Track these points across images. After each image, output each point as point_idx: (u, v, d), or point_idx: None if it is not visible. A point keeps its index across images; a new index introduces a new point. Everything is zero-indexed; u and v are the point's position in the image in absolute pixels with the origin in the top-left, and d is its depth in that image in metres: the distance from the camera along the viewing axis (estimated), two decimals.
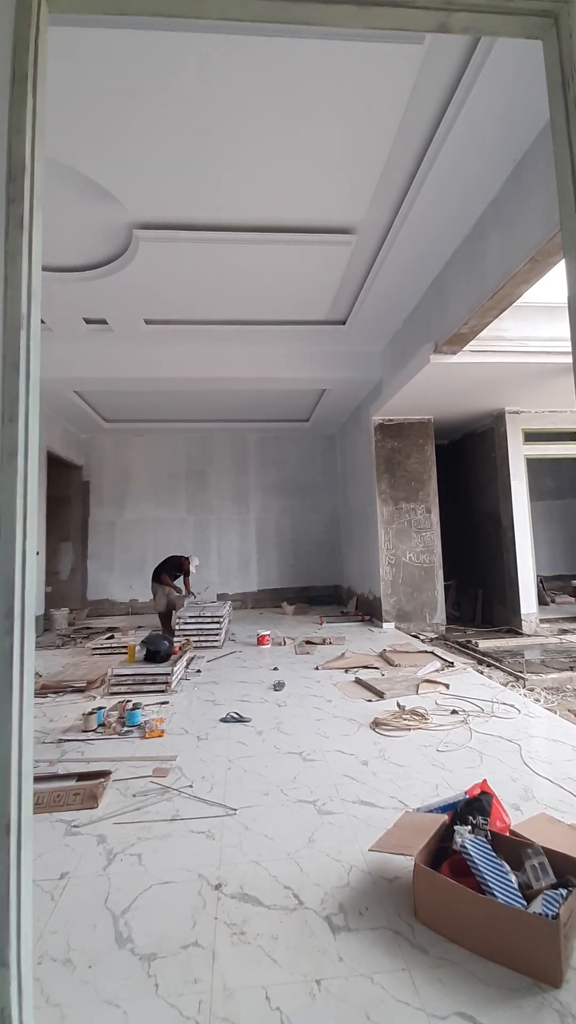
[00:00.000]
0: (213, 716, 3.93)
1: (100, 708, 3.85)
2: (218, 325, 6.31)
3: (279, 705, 4.15)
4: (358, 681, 4.67)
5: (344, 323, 6.46)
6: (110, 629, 8.17)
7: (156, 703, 4.26)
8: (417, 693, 4.28)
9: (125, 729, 3.67)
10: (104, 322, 6.12)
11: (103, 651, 6.28)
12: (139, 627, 8.37)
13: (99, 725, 3.73)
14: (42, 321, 6.21)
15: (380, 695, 4.22)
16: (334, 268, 5.12)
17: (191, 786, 2.82)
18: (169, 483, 10.48)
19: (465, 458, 9.22)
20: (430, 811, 2.18)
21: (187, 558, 7.50)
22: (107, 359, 6.77)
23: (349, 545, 9.88)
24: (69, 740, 3.52)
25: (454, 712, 3.80)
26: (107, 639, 6.65)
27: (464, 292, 4.71)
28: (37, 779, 2.82)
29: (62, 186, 3.92)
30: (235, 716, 3.84)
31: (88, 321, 6.11)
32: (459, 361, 5.55)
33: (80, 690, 4.77)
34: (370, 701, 4.15)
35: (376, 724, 3.60)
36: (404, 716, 3.69)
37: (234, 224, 4.46)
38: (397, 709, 3.80)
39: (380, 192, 4.06)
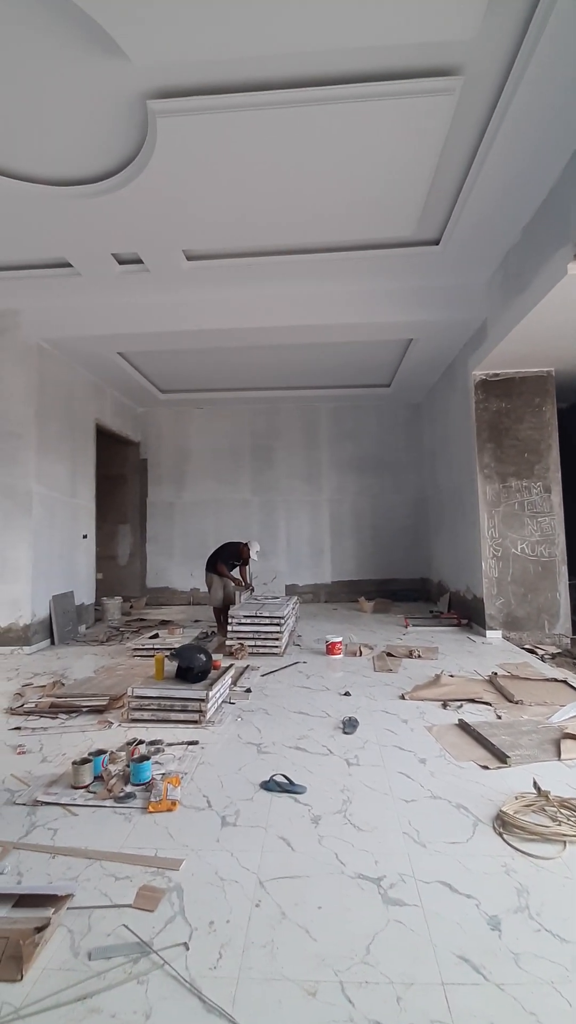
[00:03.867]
0: (253, 774, 2.74)
1: (100, 753, 2.80)
2: (271, 256, 4.99)
3: (349, 762, 2.87)
4: (463, 727, 3.27)
5: (437, 243, 4.91)
6: (163, 623, 7.29)
7: (182, 743, 3.15)
8: (560, 758, 2.82)
9: (126, 790, 2.58)
10: (139, 261, 5.04)
11: (144, 653, 5.34)
12: (196, 621, 7.44)
13: (94, 778, 2.68)
14: (69, 264, 5.36)
15: (501, 759, 2.81)
16: (427, 146, 3.62)
17: (187, 946, 1.64)
18: (232, 460, 9.43)
19: None
20: None
21: (246, 544, 6.38)
22: (147, 310, 5.72)
23: (438, 532, 8.31)
24: (48, 803, 2.49)
25: None
26: (151, 637, 5.72)
27: None
28: None
29: (45, 35, 2.79)
30: (283, 781, 2.62)
31: (120, 262, 5.06)
32: None
33: (98, 710, 3.79)
34: (486, 768, 2.75)
35: (503, 824, 2.22)
36: (550, 809, 2.28)
37: (285, 78, 3.12)
38: (534, 792, 2.40)
39: None
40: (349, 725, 3.33)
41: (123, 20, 2.72)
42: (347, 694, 4.01)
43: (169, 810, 2.40)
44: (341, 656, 5.21)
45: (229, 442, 9.45)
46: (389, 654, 5.15)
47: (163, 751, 3.00)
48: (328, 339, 6.28)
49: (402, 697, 3.90)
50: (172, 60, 2.98)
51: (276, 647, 5.31)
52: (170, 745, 3.10)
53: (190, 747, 3.10)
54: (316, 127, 3.42)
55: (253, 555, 6.38)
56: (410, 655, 5.09)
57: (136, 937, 1.66)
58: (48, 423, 6.24)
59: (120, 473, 9.27)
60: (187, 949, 1.63)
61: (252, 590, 6.82)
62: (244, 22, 2.75)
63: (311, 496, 9.37)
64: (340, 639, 5.35)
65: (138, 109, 3.31)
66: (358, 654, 5.22)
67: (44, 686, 4.37)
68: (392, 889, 1.88)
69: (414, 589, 9.06)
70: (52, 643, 6.16)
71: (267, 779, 2.63)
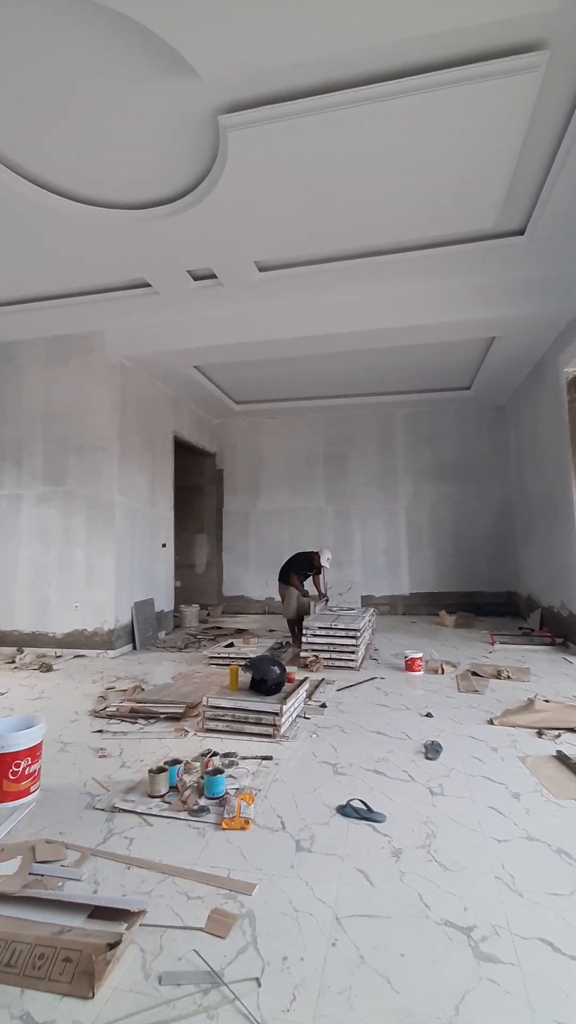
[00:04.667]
0: (329, 796, 2.61)
1: (176, 763, 2.80)
2: (343, 261, 4.89)
3: (432, 791, 2.66)
4: (562, 760, 2.94)
5: (522, 232, 4.58)
6: (238, 632, 7.35)
7: (256, 757, 3.08)
8: None
9: (200, 803, 2.54)
10: (213, 276, 5.16)
11: (220, 661, 5.38)
12: (271, 631, 7.44)
13: (170, 788, 2.68)
14: (148, 283, 5.59)
15: None
16: (510, 130, 3.38)
17: (259, 982, 1.54)
18: (305, 469, 9.40)
19: None
20: None
21: (317, 553, 6.27)
22: (221, 323, 5.84)
23: (527, 541, 7.74)
24: (125, 811, 2.51)
25: None
26: (226, 646, 5.75)
27: None
28: (28, 902, 1.80)
29: (119, 64, 2.91)
30: (361, 807, 2.46)
31: (195, 278, 5.20)
32: None
33: (175, 717, 3.83)
34: None
35: None
36: None
37: (355, 76, 3.04)
38: None
39: None
40: (432, 750, 3.11)
41: (194, 39, 2.78)
42: (429, 715, 3.76)
43: (242, 828, 2.33)
44: (421, 673, 4.94)
45: (302, 451, 9.43)
46: (475, 673, 4.81)
47: (237, 764, 2.96)
48: (403, 342, 6.08)
49: (490, 722, 3.60)
50: (241, 72, 3.00)
51: (352, 661, 5.14)
52: (244, 759, 3.04)
53: (264, 762, 3.03)
54: (389, 122, 3.30)
55: (324, 563, 6.26)
56: (498, 675, 4.72)
57: (207, 965, 1.60)
58: (130, 436, 6.54)
59: (197, 483, 9.54)
60: (259, 986, 1.54)
61: (327, 600, 6.70)
62: (313, 24, 2.71)
63: (387, 504, 9.11)
64: (420, 655, 5.08)
65: (209, 126, 3.37)
66: (440, 672, 4.93)
67: (125, 690, 4.51)
68: (484, 942, 1.68)
69: (500, 603, 8.50)
70: (134, 648, 6.39)
71: (344, 803, 2.49)
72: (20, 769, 2.59)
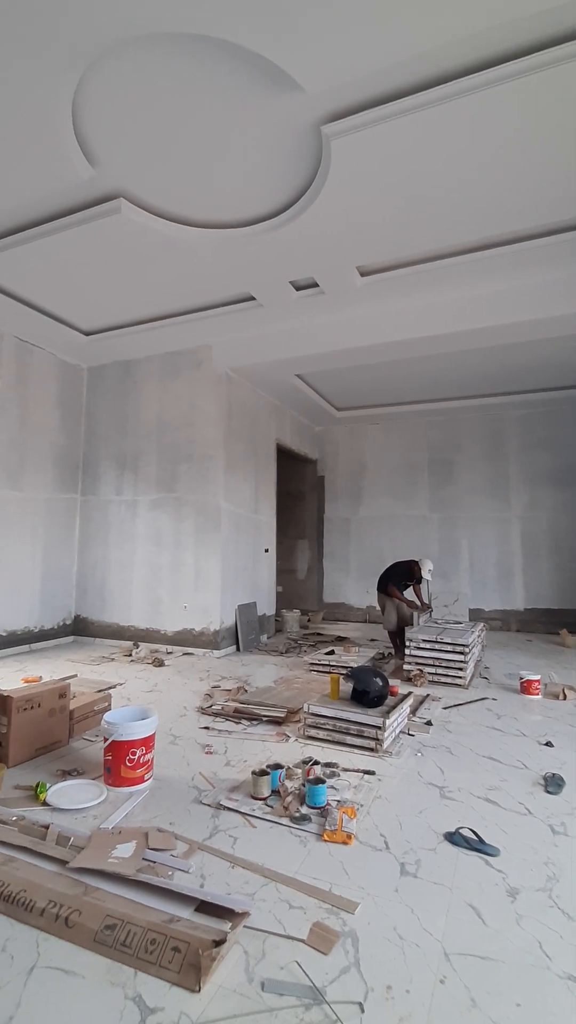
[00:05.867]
0: (436, 821, 2.47)
1: (277, 767, 2.82)
2: (449, 259, 4.68)
3: (554, 829, 2.41)
4: None
5: None
6: (339, 639, 7.30)
7: (358, 770, 3.01)
8: None
9: (302, 811, 2.54)
10: (315, 285, 5.20)
11: (320, 668, 5.38)
12: (372, 640, 7.30)
13: (271, 792, 2.70)
14: (252, 297, 5.78)
15: None
16: None
17: (362, 1007, 1.49)
18: (408, 475, 9.13)
19: None
20: None
21: (417, 562, 6.03)
22: (323, 330, 5.87)
23: None
24: (230, 809, 2.58)
25: None
26: (327, 653, 5.73)
27: None
28: (140, 886, 1.91)
29: (228, 92, 3.05)
30: (472, 837, 2.30)
31: (297, 288, 5.29)
32: None
33: (276, 721, 3.88)
34: None
35: None
36: None
37: (455, 68, 2.90)
38: None
39: None
40: (553, 783, 2.82)
41: (301, 57, 2.83)
42: (549, 744, 3.43)
43: (344, 843, 2.28)
44: (539, 697, 4.54)
45: (405, 457, 9.18)
46: None
47: (338, 776, 2.91)
48: (516, 339, 5.67)
49: None
50: (343, 81, 3.00)
51: (460, 678, 4.87)
52: (345, 771, 2.99)
53: (366, 776, 2.95)
54: (492, 110, 3.10)
55: (425, 574, 5.99)
56: None
57: (309, 980, 1.57)
58: (234, 444, 6.80)
59: (299, 490, 9.67)
60: (362, 1011, 1.48)
61: (430, 611, 6.42)
62: (413, 20, 2.63)
63: (498, 512, 8.54)
64: (538, 677, 4.67)
65: (311, 137, 3.41)
66: (561, 697, 4.49)
67: (230, 690, 4.66)
68: None
69: None
70: (237, 649, 6.61)
71: (452, 831, 2.34)
72: (136, 757, 2.77)
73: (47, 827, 2.32)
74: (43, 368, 6.74)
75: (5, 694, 3.13)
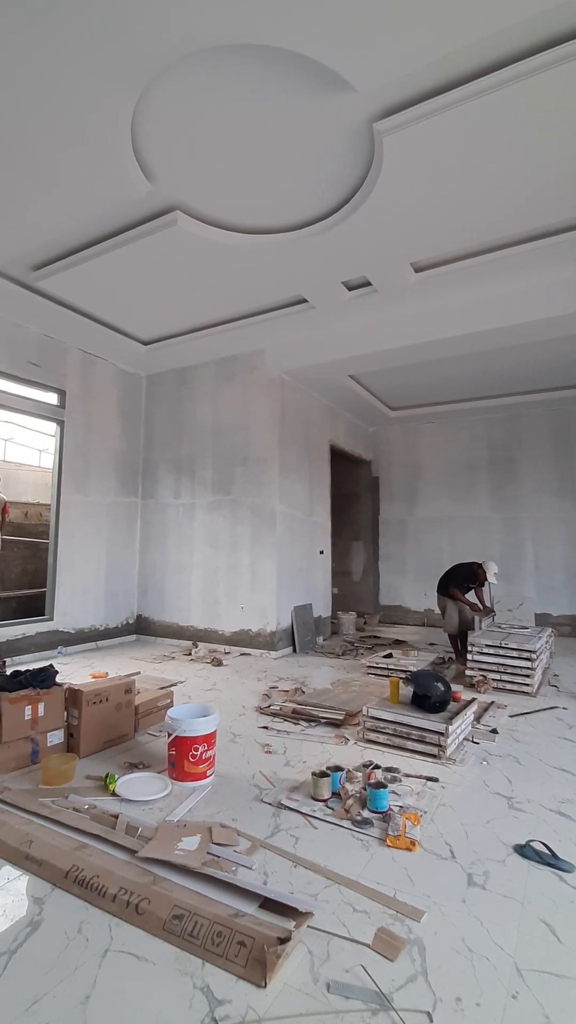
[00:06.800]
0: (504, 832, 2.38)
1: (337, 769, 2.80)
2: (506, 250, 4.48)
3: None
4: None
5: None
6: (396, 643, 7.17)
7: (420, 776, 2.94)
8: None
9: (364, 815, 2.51)
10: (368, 284, 5.15)
11: (378, 671, 5.30)
12: (431, 644, 7.12)
13: (332, 794, 2.69)
14: (304, 299, 5.79)
15: None
16: None
17: (430, 1016, 1.45)
18: (467, 475, 8.84)
19: None
20: None
21: (480, 565, 5.83)
22: (376, 329, 5.80)
23: None
24: (291, 809, 2.59)
25: None
26: (384, 656, 5.64)
27: None
28: (206, 880, 1.94)
29: (280, 96, 3.08)
30: (544, 851, 2.19)
31: (350, 288, 5.25)
32: None
33: (335, 724, 3.86)
34: None
35: None
36: None
37: (508, 54, 2.78)
38: None
39: None
40: None
41: (349, 55, 2.81)
42: None
43: (408, 849, 2.23)
44: None
45: (463, 456, 8.90)
46: None
47: (400, 781, 2.85)
48: None
49: None
50: (394, 77, 2.95)
51: (527, 685, 4.65)
52: (407, 776, 2.93)
53: (429, 783, 2.87)
54: (546, 94, 2.95)
55: (491, 577, 5.78)
56: None
57: (375, 986, 1.54)
58: (289, 447, 6.84)
59: (353, 491, 9.59)
60: (431, 1021, 1.44)
61: (493, 615, 6.19)
62: (466, 8, 2.55)
63: (566, 512, 8.11)
64: None
65: (364, 135, 3.38)
66: None
67: (287, 691, 4.68)
68: None
69: None
70: (294, 651, 6.63)
71: (523, 843, 2.24)
72: (199, 753, 2.84)
73: (116, 816, 2.42)
74: (105, 378, 7.06)
75: (76, 688, 3.30)
